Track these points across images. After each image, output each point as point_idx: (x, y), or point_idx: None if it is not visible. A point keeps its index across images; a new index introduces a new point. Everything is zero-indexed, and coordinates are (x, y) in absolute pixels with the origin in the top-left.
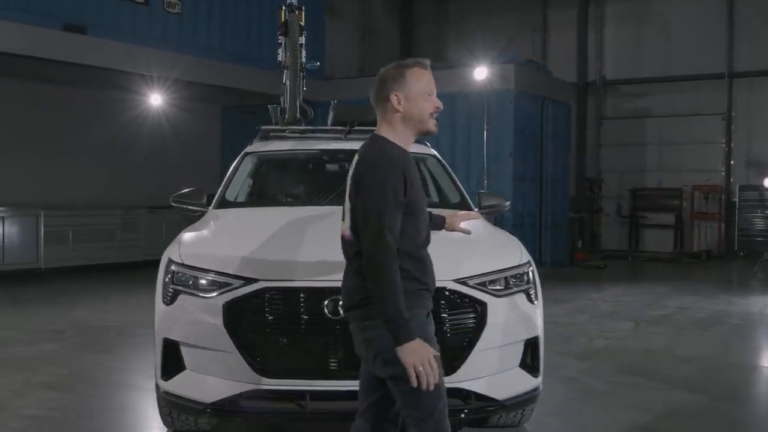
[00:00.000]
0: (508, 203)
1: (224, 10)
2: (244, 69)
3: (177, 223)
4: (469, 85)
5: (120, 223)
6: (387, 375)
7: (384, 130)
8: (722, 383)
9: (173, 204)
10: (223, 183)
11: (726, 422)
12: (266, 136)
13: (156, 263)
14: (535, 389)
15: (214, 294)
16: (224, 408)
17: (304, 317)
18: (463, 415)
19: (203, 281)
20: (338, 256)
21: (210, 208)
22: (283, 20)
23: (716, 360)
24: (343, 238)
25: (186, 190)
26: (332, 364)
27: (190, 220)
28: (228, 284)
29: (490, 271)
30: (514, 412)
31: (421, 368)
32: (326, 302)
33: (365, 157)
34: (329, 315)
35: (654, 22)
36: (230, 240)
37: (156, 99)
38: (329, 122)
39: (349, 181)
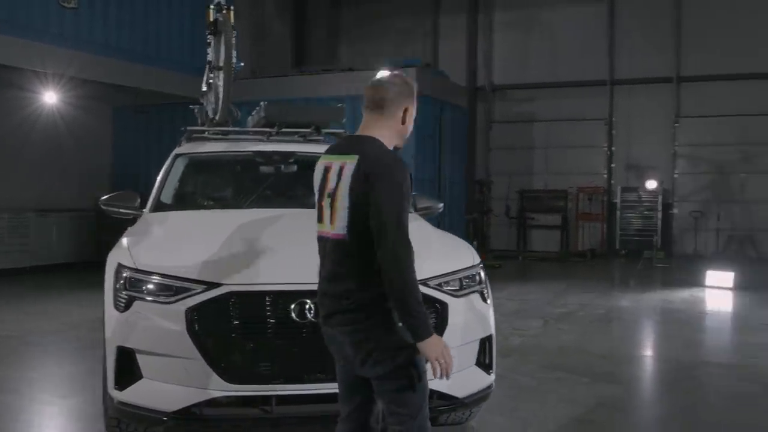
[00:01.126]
0: (441, 205)
1: (121, 7)
2: (141, 68)
3: (66, 226)
4: None
5: (8, 227)
6: (376, 375)
7: (376, 132)
8: (638, 375)
9: (103, 207)
10: (157, 185)
11: (651, 410)
12: (193, 138)
13: (47, 268)
14: (490, 386)
15: (175, 299)
16: (186, 416)
17: (271, 321)
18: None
19: (162, 286)
20: (301, 259)
21: (145, 211)
22: (211, 19)
23: (625, 354)
24: (328, 239)
25: (117, 192)
26: (299, 368)
27: (86, 224)
28: (189, 289)
29: (448, 272)
30: (471, 409)
31: (442, 360)
32: (293, 306)
33: (374, 160)
34: (296, 318)
35: (540, 30)
36: (184, 244)
37: (51, 97)
38: (252, 123)
39: (349, 182)
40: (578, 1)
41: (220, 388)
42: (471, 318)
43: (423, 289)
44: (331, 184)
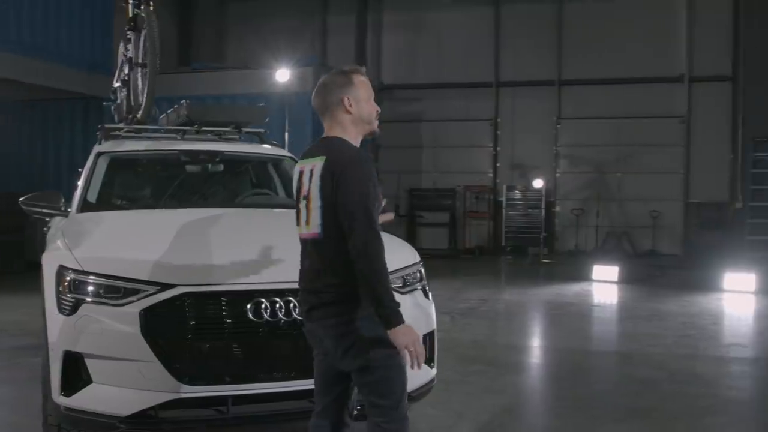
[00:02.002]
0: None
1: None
2: (26, 61)
3: None
4: (266, 86)
5: None
6: (357, 367)
7: (337, 132)
8: (550, 365)
9: (24, 207)
10: (81, 185)
11: (573, 399)
12: (111, 135)
13: None
14: (433, 380)
15: (127, 301)
16: (141, 420)
17: (227, 321)
18: None
19: (111, 288)
20: (254, 258)
21: (71, 211)
22: (131, 15)
23: (535, 345)
24: (307, 240)
25: (38, 192)
26: (255, 368)
27: None
28: (141, 290)
29: (393, 269)
30: (416, 402)
31: (412, 348)
32: (249, 305)
33: (337, 158)
34: (252, 318)
35: (428, 32)
36: (128, 245)
37: None
38: (168, 121)
39: (318, 182)
40: (465, 5)
41: (175, 390)
42: (416, 314)
43: None
44: (305, 187)
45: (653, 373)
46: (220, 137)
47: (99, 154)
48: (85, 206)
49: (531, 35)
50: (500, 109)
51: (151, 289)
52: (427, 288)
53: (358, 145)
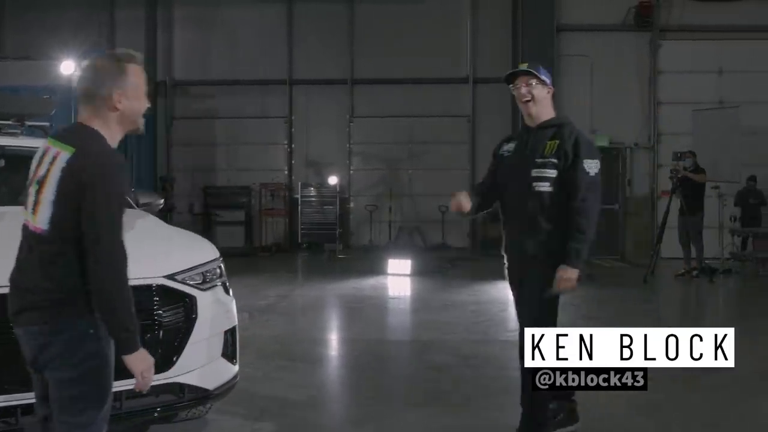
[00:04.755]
0: (161, 201)
1: None
2: None
3: None
4: (51, 78)
5: None
6: (58, 378)
7: (96, 125)
8: (349, 356)
9: None
10: None
11: (374, 388)
12: None
13: None
14: (236, 376)
15: None
16: None
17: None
18: (176, 410)
19: None
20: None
21: None
22: None
23: (334, 337)
24: (28, 228)
25: None
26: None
27: None
28: None
29: (192, 266)
30: (215, 401)
31: (147, 376)
32: None
33: (87, 154)
34: None
35: (221, 28)
36: None
37: None
38: None
39: (58, 173)
40: (258, 1)
41: None
42: (217, 310)
43: (171, 283)
44: (42, 170)
45: (449, 359)
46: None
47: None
48: None
49: (324, 34)
50: (294, 107)
51: None
52: (227, 284)
53: (116, 143)
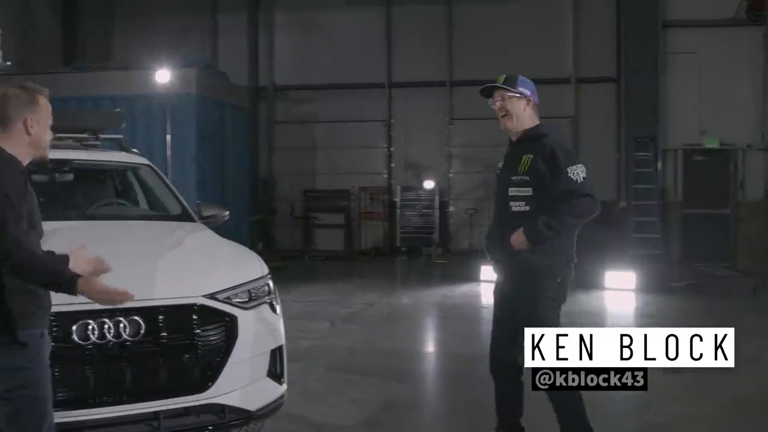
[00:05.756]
0: (227, 213)
1: None
2: None
3: None
4: (149, 88)
5: None
6: None
7: (7, 146)
8: (424, 373)
9: None
10: None
11: (439, 408)
12: None
13: None
14: (282, 396)
15: None
16: None
17: (51, 344)
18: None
19: None
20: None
21: None
22: None
23: (412, 352)
24: None
25: None
26: (84, 392)
27: None
28: None
29: (236, 284)
30: (263, 421)
31: (107, 295)
32: (75, 327)
33: None
34: (78, 340)
35: (321, 32)
36: None
37: None
38: None
39: None
40: (357, 5)
41: None
42: (261, 329)
43: (211, 303)
44: None
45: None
46: (81, 144)
47: None
48: None
49: (422, 36)
50: (393, 110)
51: None
52: (275, 302)
53: (25, 163)
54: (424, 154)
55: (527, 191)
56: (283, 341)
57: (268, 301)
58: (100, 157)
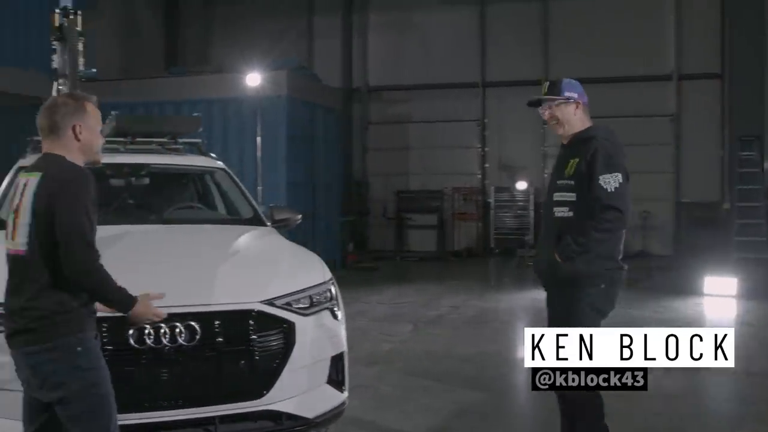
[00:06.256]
0: (299, 216)
1: None
2: None
3: None
4: (241, 90)
5: None
6: (55, 398)
7: (61, 152)
8: (501, 380)
9: None
10: None
11: (511, 418)
12: (39, 147)
13: None
14: (342, 404)
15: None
16: None
17: (109, 348)
18: None
19: None
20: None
21: None
22: (57, 24)
23: (493, 357)
24: (9, 255)
25: None
26: (140, 396)
27: None
28: None
29: (295, 290)
30: (323, 428)
31: (154, 318)
32: (131, 332)
33: (58, 174)
34: (134, 345)
35: (414, 32)
36: None
37: None
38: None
39: (31, 198)
40: (450, 4)
41: None
42: (321, 336)
43: (268, 309)
44: (16, 201)
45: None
46: (163, 147)
47: (20, 169)
48: None
49: (517, 35)
50: (487, 110)
51: None
52: (336, 308)
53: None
54: (518, 154)
55: (571, 196)
56: (344, 348)
57: (330, 307)
58: (176, 161)
